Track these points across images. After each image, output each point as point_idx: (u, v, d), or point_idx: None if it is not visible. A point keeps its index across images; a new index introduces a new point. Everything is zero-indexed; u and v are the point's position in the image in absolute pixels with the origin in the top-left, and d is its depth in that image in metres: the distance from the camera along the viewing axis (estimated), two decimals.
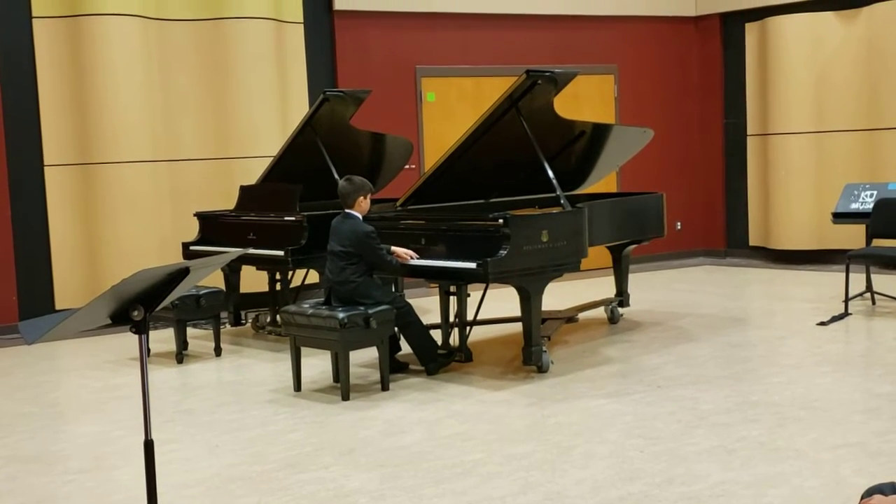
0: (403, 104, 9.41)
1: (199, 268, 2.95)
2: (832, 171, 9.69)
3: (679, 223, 10.68)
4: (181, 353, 6.53)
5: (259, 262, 7.00)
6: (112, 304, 2.75)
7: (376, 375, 5.67)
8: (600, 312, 7.43)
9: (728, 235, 10.85)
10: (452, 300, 6.22)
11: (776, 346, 6.37)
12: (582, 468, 4.04)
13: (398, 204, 6.42)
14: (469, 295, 6.28)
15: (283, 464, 4.28)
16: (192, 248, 7.31)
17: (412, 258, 5.73)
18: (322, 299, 5.67)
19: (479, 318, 6.31)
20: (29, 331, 2.74)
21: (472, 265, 5.39)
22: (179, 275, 2.83)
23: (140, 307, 2.80)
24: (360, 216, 5.64)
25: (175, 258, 7.35)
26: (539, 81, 5.75)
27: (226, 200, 7.80)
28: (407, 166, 7.93)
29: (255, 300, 7.90)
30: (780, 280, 9.31)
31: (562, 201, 5.87)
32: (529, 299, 5.58)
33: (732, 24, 10.54)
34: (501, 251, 5.36)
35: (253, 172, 7.87)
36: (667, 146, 10.31)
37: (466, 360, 6.10)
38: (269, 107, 8.51)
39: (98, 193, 7.95)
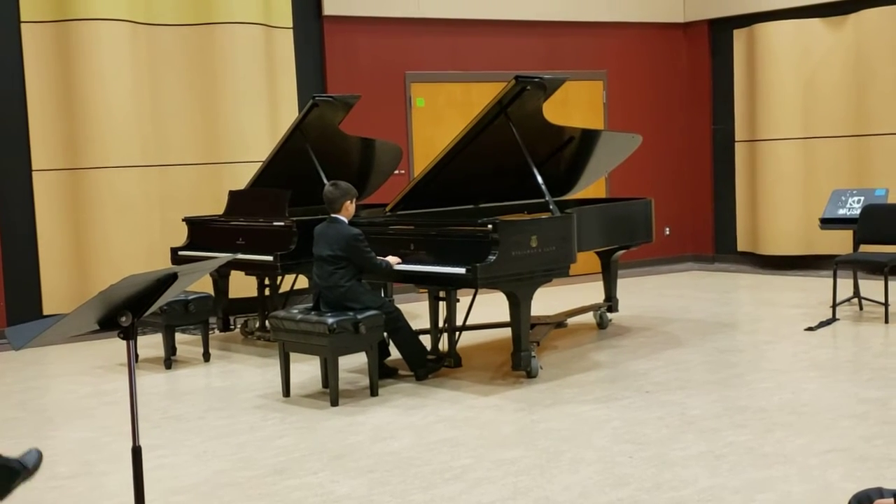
0: (393, 110, 9.41)
1: (187, 273, 2.94)
2: (820, 177, 9.73)
3: (668, 228, 10.71)
4: (170, 359, 6.52)
5: (248, 268, 6.99)
6: (100, 310, 2.74)
7: (365, 381, 5.67)
8: (589, 318, 7.44)
9: (716, 241, 10.88)
10: (442, 305, 6.22)
11: (764, 351, 6.39)
12: (571, 473, 4.05)
13: (387, 209, 6.41)
14: (458, 300, 6.28)
15: (271, 469, 4.27)
16: (180, 253, 7.30)
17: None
18: (311, 304, 5.67)
19: (468, 323, 6.31)
20: (16, 337, 2.72)
21: (462, 270, 5.40)
22: (167, 280, 2.83)
23: (128, 313, 2.79)
24: (346, 220, 5.65)
25: (164, 263, 7.34)
26: (528, 87, 5.76)
27: (215, 205, 7.79)
28: (396, 172, 7.94)
29: (244, 305, 7.89)
30: (768, 285, 9.34)
31: (551, 207, 5.88)
32: (518, 305, 5.59)
33: (721, 31, 10.58)
34: (490, 256, 5.37)
35: (242, 177, 7.86)
36: (655, 152, 10.34)
37: (456, 365, 6.10)
38: (258, 112, 8.50)
39: (87, 198, 7.93)
